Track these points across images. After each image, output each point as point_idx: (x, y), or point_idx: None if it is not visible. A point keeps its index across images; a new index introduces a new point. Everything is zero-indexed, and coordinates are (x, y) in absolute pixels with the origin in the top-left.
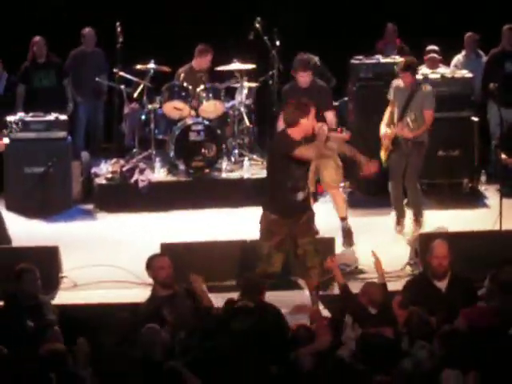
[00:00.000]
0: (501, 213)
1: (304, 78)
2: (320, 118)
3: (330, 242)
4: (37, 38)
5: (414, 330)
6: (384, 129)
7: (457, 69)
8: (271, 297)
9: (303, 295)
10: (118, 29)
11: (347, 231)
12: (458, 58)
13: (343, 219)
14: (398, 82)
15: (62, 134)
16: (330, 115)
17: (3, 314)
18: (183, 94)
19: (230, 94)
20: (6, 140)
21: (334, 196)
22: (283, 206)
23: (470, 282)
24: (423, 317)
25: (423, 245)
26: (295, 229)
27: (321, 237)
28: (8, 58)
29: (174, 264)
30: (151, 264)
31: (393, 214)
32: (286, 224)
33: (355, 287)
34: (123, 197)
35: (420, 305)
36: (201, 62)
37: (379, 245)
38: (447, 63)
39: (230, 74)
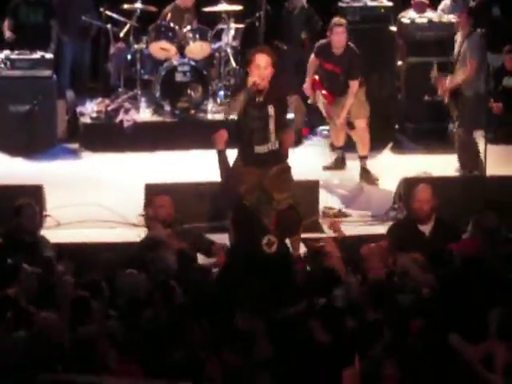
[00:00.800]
0: (485, 158)
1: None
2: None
3: (314, 184)
4: None
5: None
6: None
7: (444, 13)
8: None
9: None
10: None
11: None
12: (445, 2)
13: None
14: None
15: (48, 72)
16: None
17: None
18: (170, 34)
19: (217, 35)
20: None
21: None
22: (243, 156)
23: (453, 226)
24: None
25: (407, 189)
26: (266, 182)
27: (305, 180)
28: None
29: None
30: (152, 202)
31: (378, 157)
32: (254, 174)
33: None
34: (108, 136)
35: (404, 249)
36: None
37: (363, 189)
38: (434, 8)
39: (217, 15)
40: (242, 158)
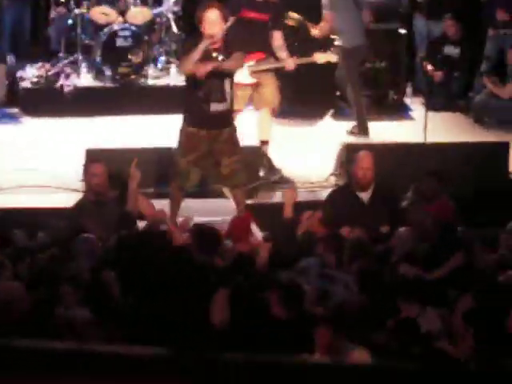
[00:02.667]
0: (425, 125)
1: None
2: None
3: (257, 150)
4: None
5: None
6: None
7: None
8: (198, 204)
9: (230, 203)
10: None
11: (266, 157)
12: None
13: (264, 143)
14: None
15: None
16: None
17: None
18: None
19: (158, 0)
20: None
21: (263, 116)
22: (197, 117)
23: (393, 194)
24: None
25: (348, 155)
26: (216, 146)
27: (251, 145)
28: None
29: None
30: (86, 169)
31: (318, 124)
32: (204, 140)
33: (280, 197)
34: (48, 101)
35: (342, 216)
36: None
37: (304, 154)
38: None
39: None
40: (194, 118)
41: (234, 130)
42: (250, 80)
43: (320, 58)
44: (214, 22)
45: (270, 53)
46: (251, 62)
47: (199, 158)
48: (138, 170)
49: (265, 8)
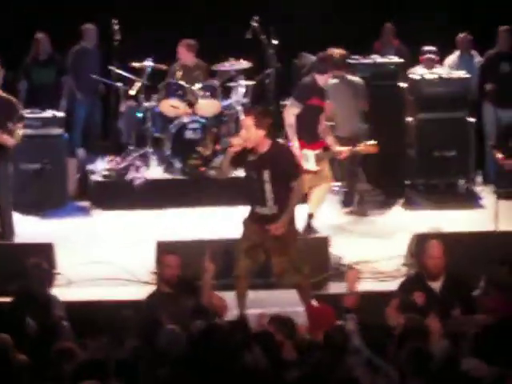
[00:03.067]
0: (497, 214)
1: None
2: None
3: (324, 241)
4: (40, 35)
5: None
6: None
7: (451, 69)
8: (266, 295)
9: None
10: (115, 26)
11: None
12: (452, 58)
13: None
14: None
15: (59, 130)
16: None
17: (12, 310)
18: (180, 92)
19: (227, 92)
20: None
21: (322, 191)
22: (250, 213)
23: (464, 283)
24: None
25: (419, 245)
26: (267, 243)
27: (315, 236)
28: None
29: None
30: (161, 260)
31: (389, 213)
32: (256, 233)
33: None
34: (119, 194)
35: (414, 305)
36: (184, 56)
37: (374, 244)
38: (441, 64)
39: (227, 73)
40: (249, 214)
41: (290, 230)
42: (316, 168)
43: (361, 149)
44: (244, 129)
45: None
46: (318, 151)
47: (250, 248)
48: (212, 263)
49: (324, 95)
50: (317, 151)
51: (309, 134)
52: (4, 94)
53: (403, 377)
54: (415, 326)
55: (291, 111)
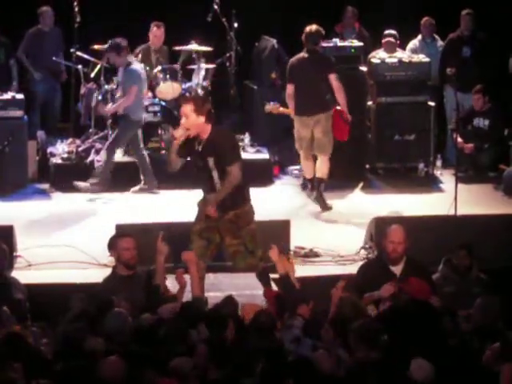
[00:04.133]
0: (456, 197)
1: None
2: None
3: (285, 224)
4: None
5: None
6: None
7: (413, 53)
8: (223, 278)
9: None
10: (76, 8)
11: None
12: (414, 42)
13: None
14: None
15: (19, 112)
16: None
17: None
18: None
19: (187, 75)
20: None
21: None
22: (203, 197)
23: (424, 268)
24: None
25: (378, 229)
26: (221, 224)
27: (276, 220)
28: None
29: None
30: (115, 244)
31: (349, 197)
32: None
33: (310, 270)
34: (79, 177)
35: (374, 289)
36: (151, 37)
37: (334, 228)
38: (403, 48)
39: (188, 55)
40: (203, 197)
41: (243, 213)
42: None
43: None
44: (183, 117)
45: None
46: None
47: (204, 229)
48: (166, 245)
49: None
50: None
51: None
52: None
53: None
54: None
55: None
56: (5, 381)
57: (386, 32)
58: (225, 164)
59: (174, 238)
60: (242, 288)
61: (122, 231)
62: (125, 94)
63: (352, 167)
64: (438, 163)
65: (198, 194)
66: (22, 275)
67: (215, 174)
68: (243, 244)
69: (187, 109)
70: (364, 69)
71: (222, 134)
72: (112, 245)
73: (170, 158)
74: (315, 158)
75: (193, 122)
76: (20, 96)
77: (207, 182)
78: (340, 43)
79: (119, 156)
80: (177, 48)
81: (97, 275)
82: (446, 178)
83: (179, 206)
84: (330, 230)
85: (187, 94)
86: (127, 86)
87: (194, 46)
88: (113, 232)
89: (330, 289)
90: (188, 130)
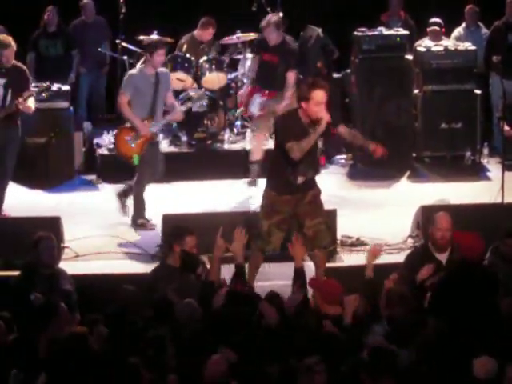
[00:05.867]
0: (503, 185)
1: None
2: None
3: (331, 213)
4: (49, 7)
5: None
6: None
7: (457, 41)
8: (277, 268)
9: (308, 267)
10: None
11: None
12: (459, 30)
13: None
14: None
15: (65, 104)
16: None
17: (19, 284)
18: (186, 65)
19: (233, 65)
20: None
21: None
22: (281, 186)
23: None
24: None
25: (425, 217)
26: (300, 209)
27: (327, 209)
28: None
29: None
30: (183, 239)
31: (395, 186)
32: (289, 203)
33: (357, 259)
34: (125, 168)
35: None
36: (203, 34)
37: (380, 217)
38: (448, 36)
39: (234, 46)
40: (278, 187)
41: (318, 191)
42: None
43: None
44: (320, 103)
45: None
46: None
47: (283, 220)
48: (224, 240)
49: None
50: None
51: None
52: (18, 64)
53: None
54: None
55: None
56: None
57: (431, 20)
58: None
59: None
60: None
61: (187, 226)
62: None
63: (399, 156)
64: (485, 151)
65: (242, 184)
66: (70, 266)
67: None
68: (324, 222)
69: (324, 96)
70: (410, 57)
71: None
72: (177, 237)
73: (304, 148)
74: None
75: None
76: (66, 87)
77: (306, 162)
78: (385, 32)
79: (165, 146)
80: (224, 41)
81: (144, 266)
82: (493, 166)
83: (225, 196)
84: (376, 218)
85: (313, 82)
86: None
87: (239, 37)
88: (160, 222)
89: (378, 278)
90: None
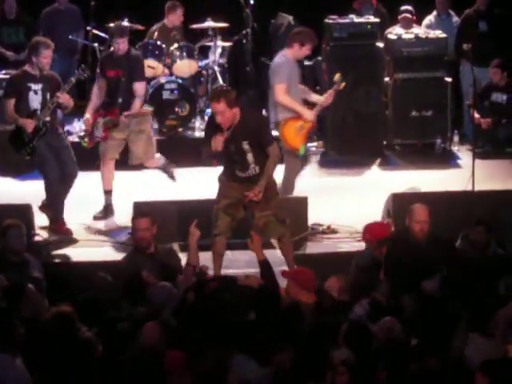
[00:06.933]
0: (473, 173)
1: (119, 45)
2: None
3: (302, 201)
4: None
5: None
6: None
7: (428, 29)
8: (241, 255)
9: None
10: None
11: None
12: (430, 18)
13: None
14: None
15: None
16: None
17: None
18: (157, 52)
19: (204, 52)
20: None
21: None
22: (227, 174)
23: (447, 241)
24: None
25: (396, 205)
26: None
27: (294, 197)
28: None
29: None
30: (132, 224)
31: (366, 173)
32: (236, 189)
33: (328, 247)
34: (95, 155)
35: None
36: (172, 18)
37: (351, 204)
38: (419, 24)
39: (204, 33)
40: (227, 174)
41: (270, 184)
42: (101, 134)
43: None
44: (217, 115)
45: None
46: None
47: (229, 205)
48: (198, 229)
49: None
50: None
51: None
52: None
53: None
54: None
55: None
56: None
57: (403, 8)
58: (262, 145)
59: (189, 214)
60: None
61: (141, 211)
62: None
63: (369, 143)
64: (455, 139)
65: (214, 171)
66: (41, 253)
67: (250, 156)
68: (273, 214)
69: (221, 107)
70: (381, 45)
71: (253, 116)
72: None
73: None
74: None
75: (228, 116)
76: None
77: (238, 162)
78: (356, 19)
79: None
80: (194, 26)
81: (115, 253)
82: (463, 154)
83: (196, 183)
84: (347, 206)
85: (212, 93)
86: None
87: (210, 23)
88: (131, 210)
89: (348, 266)
90: (224, 125)
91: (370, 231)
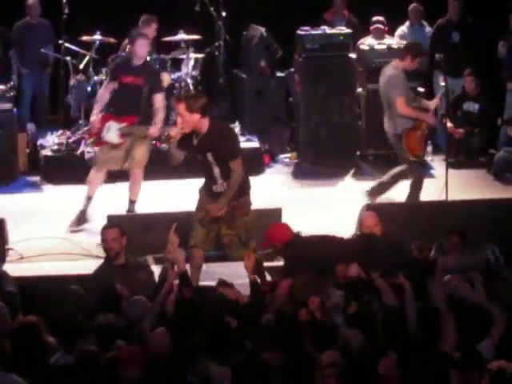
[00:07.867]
0: (447, 183)
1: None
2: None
3: (277, 212)
4: None
5: None
6: None
7: (401, 40)
8: (216, 267)
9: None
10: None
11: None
12: (403, 29)
13: (133, 202)
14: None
15: (8, 105)
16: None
17: None
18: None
19: (176, 65)
20: None
21: (137, 176)
22: (206, 188)
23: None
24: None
25: None
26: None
27: (268, 208)
28: None
29: None
30: (100, 234)
31: (339, 184)
32: (210, 202)
33: None
34: (69, 168)
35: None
36: (148, 32)
37: (325, 215)
38: (391, 34)
39: (176, 45)
40: (204, 187)
41: (241, 204)
42: (118, 140)
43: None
44: (179, 116)
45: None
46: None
47: (204, 217)
48: (177, 236)
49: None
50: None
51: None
52: None
53: None
54: None
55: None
56: None
57: (374, 19)
58: (225, 159)
59: (164, 227)
60: (235, 277)
61: (110, 222)
62: None
63: (343, 154)
64: (429, 149)
65: (190, 183)
66: (14, 268)
67: (216, 169)
68: (237, 235)
69: (180, 108)
70: (353, 56)
71: (220, 129)
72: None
73: (170, 153)
74: None
75: (187, 120)
76: (9, 89)
77: (209, 174)
78: (329, 31)
79: None
80: (166, 39)
81: (89, 266)
82: (437, 164)
83: (172, 195)
84: (321, 217)
85: (179, 93)
86: None
87: (182, 36)
88: (104, 223)
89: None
90: (183, 128)
91: (273, 235)
